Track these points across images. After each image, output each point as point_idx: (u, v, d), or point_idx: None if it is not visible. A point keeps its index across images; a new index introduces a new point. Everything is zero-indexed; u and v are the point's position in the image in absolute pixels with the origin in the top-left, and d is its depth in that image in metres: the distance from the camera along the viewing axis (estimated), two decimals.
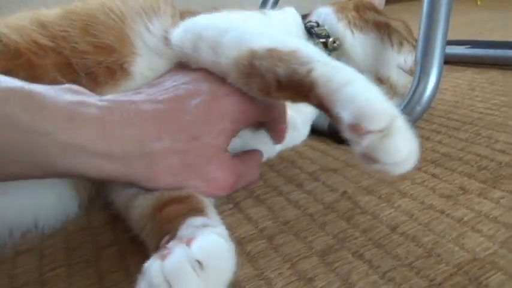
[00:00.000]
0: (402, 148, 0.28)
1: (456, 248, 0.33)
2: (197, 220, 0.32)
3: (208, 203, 0.37)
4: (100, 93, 0.43)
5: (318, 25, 0.60)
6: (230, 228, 0.40)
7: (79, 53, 0.43)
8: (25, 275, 0.38)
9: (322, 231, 0.38)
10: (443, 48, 0.51)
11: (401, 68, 0.57)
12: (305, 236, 0.37)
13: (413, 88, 0.50)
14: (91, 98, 0.36)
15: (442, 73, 0.51)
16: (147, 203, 0.36)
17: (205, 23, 0.44)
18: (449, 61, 0.92)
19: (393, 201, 0.41)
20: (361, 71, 0.54)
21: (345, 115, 0.29)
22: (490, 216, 0.36)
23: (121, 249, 0.39)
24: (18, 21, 0.46)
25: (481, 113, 0.61)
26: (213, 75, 0.41)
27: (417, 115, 0.50)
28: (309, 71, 0.33)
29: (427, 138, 0.54)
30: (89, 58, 0.43)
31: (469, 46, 1.03)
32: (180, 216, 0.33)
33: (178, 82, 0.41)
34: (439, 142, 0.53)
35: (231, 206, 0.44)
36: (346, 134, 0.29)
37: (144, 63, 0.45)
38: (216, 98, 0.39)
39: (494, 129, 0.54)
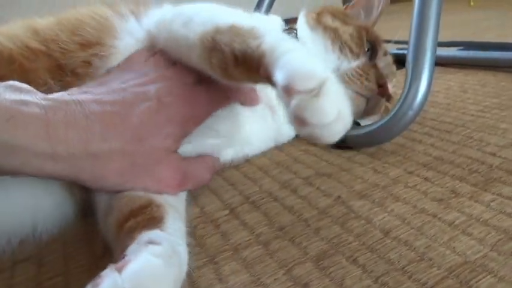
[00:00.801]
0: (330, 109, 0.28)
1: (448, 252, 0.34)
2: (147, 235, 0.32)
3: (170, 209, 0.37)
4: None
5: (296, 31, 0.61)
6: (226, 234, 0.41)
7: (67, 53, 0.45)
8: (24, 284, 0.38)
9: (316, 236, 0.38)
10: (433, 53, 0.52)
11: (336, 73, 0.56)
12: (300, 241, 0.38)
13: (404, 92, 0.51)
14: (34, 96, 0.35)
15: (433, 77, 0.52)
16: (112, 221, 0.37)
17: (188, 5, 0.47)
18: (441, 63, 0.93)
19: (386, 206, 0.41)
20: None
21: (279, 76, 0.30)
22: (481, 219, 0.37)
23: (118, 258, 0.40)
24: (12, 29, 0.48)
25: (472, 115, 0.62)
26: (161, 77, 0.43)
27: (409, 119, 0.51)
28: (259, 45, 0.34)
29: (420, 141, 0.55)
30: (74, 56, 0.45)
31: (461, 47, 1.04)
32: (138, 229, 0.33)
33: (127, 84, 0.42)
34: (432, 145, 0.53)
35: (226, 212, 0.45)
36: (279, 96, 0.30)
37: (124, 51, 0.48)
38: (161, 105, 0.41)
39: (485, 132, 0.55)
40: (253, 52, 0.34)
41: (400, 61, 0.61)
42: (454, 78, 0.83)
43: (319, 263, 0.35)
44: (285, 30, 0.61)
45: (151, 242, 0.31)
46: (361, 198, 0.43)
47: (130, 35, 0.49)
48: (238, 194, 0.48)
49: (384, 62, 0.60)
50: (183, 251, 0.33)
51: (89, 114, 0.37)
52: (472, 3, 2.00)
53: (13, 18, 0.51)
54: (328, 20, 0.60)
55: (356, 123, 0.57)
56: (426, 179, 0.45)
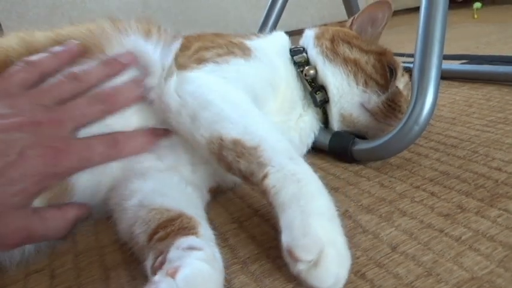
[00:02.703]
0: (329, 276, 0.32)
1: (455, 267, 0.34)
2: (185, 241, 0.34)
3: (200, 220, 0.39)
4: None
5: (303, 50, 0.61)
6: (235, 248, 0.41)
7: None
8: None
9: None
10: (439, 67, 0.52)
11: (364, 107, 0.57)
12: None
13: (410, 108, 0.51)
14: None
15: (439, 92, 0.53)
16: (140, 232, 0.38)
17: (193, 88, 0.46)
18: (445, 77, 0.94)
19: (393, 220, 0.42)
20: (334, 101, 0.56)
21: (283, 238, 0.33)
22: (487, 235, 0.38)
23: (129, 270, 0.40)
24: (6, 41, 0.49)
25: (477, 130, 0.62)
26: (37, 124, 0.40)
27: (415, 134, 0.51)
28: (264, 177, 0.37)
29: (426, 156, 0.56)
30: None
31: (465, 61, 1.05)
32: (173, 236, 0.35)
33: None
34: (438, 160, 0.54)
35: (235, 225, 0.45)
36: (284, 254, 0.33)
37: None
38: (22, 159, 0.38)
39: (490, 147, 0.55)
40: (257, 181, 0.37)
41: None
42: (459, 92, 0.84)
43: None
44: (292, 49, 0.61)
45: (192, 248, 0.33)
46: (368, 212, 0.44)
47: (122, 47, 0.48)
48: (246, 207, 0.49)
49: (404, 83, 0.60)
50: (219, 257, 0.34)
51: None
52: (475, 16, 2.01)
53: (19, 26, 0.53)
54: (346, 51, 0.59)
55: (362, 137, 0.58)
56: (432, 193, 0.46)
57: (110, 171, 0.46)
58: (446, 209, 0.42)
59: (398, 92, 0.57)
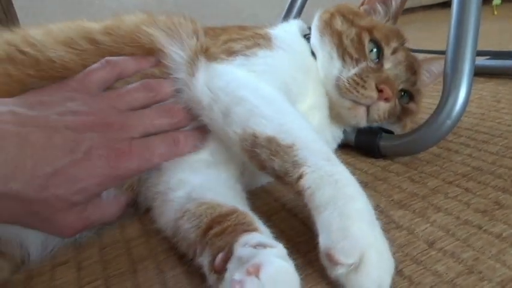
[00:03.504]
0: (370, 282, 0.30)
1: (497, 265, 0.33)
2: (252, 238, 0.32)
3: (253, 215, 0.38)
4: None
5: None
6: None
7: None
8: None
9: None
10: (473, 61, 0.51)
11: (336, 82, 0.52)
12: None
13: (443, 101, 0.50)
14: None
15: (472, 86, 0.51)
16: (189, 227, 0.37)
17: (225, 83, 0.44)
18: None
19: (428, 216, 0.40)
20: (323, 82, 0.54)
21: (321, 240, 0.32)
22: None
23: (157, 263, 0.40)
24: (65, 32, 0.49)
25: (509, 125, 0.60)
26: (106, 126, 0.41)
27: (447, 128, 0.50)
28: (299, 178, 0.35)
29: (456, 151, 0.54)
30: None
31: (489, 57, 1.02)
32: (230, 232, 0.34)
33: (63, 119, 0.39)
34: (469, 155, 0.52)
35: (262, 220, 0.44)
36: (322, 257, 0.32)
37: None
38: (88, 159, 0.38)
39: None
40: (292, 181, 0.36)
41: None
42: (486, 88, 0.82)
43: None
44: (305, 35, 0.59)
45: (262, 245, 0.31)
46: (401, 207, 0.43)
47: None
48: (273, 201, 0.48)
49: (393, 62, 0.54)
50: None
51: (4, 138, 0.34)
52: (495, 13, 1.97)
53: (37, 23, 0.52)
54: (338, 23, 0.56)
55: (389, 132, 0.56)
56: (467, 189, 0.44)
57: None
58: (483, 205, 0.41)
59: (366, 68, 0.52)
